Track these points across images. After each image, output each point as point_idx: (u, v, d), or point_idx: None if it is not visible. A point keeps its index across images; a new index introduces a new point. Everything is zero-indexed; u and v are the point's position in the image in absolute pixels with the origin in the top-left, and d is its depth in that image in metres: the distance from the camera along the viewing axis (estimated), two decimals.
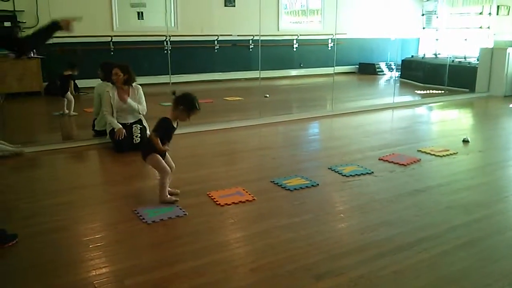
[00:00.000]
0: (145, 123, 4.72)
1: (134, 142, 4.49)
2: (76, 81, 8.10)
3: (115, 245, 2.61)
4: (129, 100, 4.57)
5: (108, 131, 4.63)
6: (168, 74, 6.42)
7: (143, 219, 2.89)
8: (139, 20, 9.53)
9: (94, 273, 2.29)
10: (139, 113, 4.68)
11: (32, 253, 2.51)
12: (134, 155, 4.39)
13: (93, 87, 5.13)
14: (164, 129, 3.12)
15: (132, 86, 4.62)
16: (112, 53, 8.80)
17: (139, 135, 4.52)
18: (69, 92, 6.36)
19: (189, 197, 3.29)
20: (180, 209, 3.05)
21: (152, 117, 6.00)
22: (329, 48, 10.80)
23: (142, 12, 9.51)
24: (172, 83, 6.78)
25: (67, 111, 6.28)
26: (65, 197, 3.36)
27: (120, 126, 4.49)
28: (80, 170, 4.22)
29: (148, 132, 4.73)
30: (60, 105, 6.27)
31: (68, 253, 2.52)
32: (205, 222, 2.88)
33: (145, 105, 4.71)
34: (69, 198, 3.32)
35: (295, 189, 3.46)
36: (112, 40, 8.87)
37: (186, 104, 3.12)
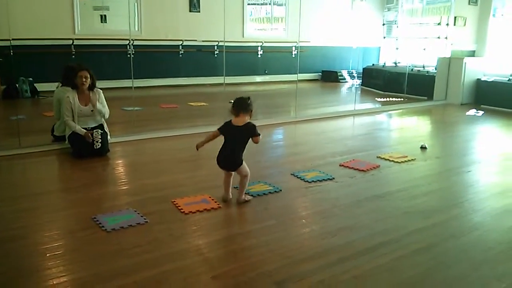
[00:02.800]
0: (106, 129, 4.65)
1: (95, 147, 4.40)
2: (35, 84, 7.92)
3: (73, 254, 2.55)
4: (99, 105, 4.53)
5: (67, 136, 4.52)
6: (131, 78, 6.33)
7: (103, 226, 2.84)
8: (102, 23, 9.37)
9: (52, 283, 2.23)
10: (102, 118, 4.61)
11: None
12: (94, 161, 4.31)
13: (53, 91, 5.01)
14: None
15: (93, 91, 4.55)
16: (73, 56, 8.61)
17: (100, 140, 4.43)
18: None
19: (151, 204, 3.25)
20: (141, 216, 3.01)
21: (115, 122, 5.95)
22: (293, 56, 10.94)
23: (105, 15, 9.36)
24: (135, 87, 6.69)
25: None
26: (22, 204, 3.26)
27: (85, 131, 4.41)
28: (38, 176, 4.10)
29: (109, 137, 4.66)
30: (18, 109, 6.08)
31: (25, 263, 2.44)
32: (166, 229, 2.85)
33: (107, 109, 4.66)
34: (26, 205, 3.22)
35: (258, 195, 3.47)
36: (74, 43, 8.68)
37: (253, 107, 3.36)
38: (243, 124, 3.26)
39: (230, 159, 3.27)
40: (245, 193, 3.39)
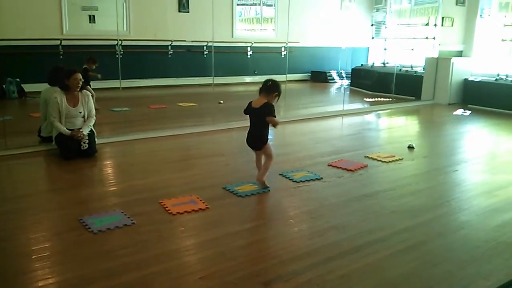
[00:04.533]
0: (93, 129, 4.62)
1: (82, 148, 4.37)
2: (23, 85, 7.84)
3: (59, 256, 2.53)
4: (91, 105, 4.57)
5: (54, 137, 4.49)
6: (119, 78, 6.30)
7: (89, 228, 2.82)
8: (90, 24, 9.31)
9: (38, 285, 2.21)
10: (92, 118, 4.59)
11: None
12: (81, 162, 4.28)
13: (40, 92, 4.97)
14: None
15: (81, 92, 4.53)
16: (61, 56, 8.55)
17: (87, 141, 4.40)
18: (88, 86, 6.51)
19: (139, 205, 3.23)
20: (128, 217, 2.99)
21: (103, 123, 5.91)
22: (283, 56, 10.95)
23: (93, 16, 9.30)
24: (123, 88, 6.66)
25: None
26: (8, 205, 3.22)
27: (69, 132, 4.38)
28: (24, 178, 4.05)
29: (96, 138, 4.63)
30: (5, 110, 6.03)
31: (11, 265, 2.42)
32: (153, 230, 2.84)
33: (94, 112, 4.67)
34: (12, 207, 3.19)
35: (247, 195, 3.47)
36: (62, 44, 8.61)
37: (279, 90, 3.52)
38: (261, 105, 3.45)
39: (252, 139, 3.58)
40: (268, 186, 3.60)
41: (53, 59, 8.11)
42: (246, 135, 3.62)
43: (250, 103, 3.55)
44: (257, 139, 3.55)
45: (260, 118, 3.50)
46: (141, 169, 4.20)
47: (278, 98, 3.57)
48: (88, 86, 6.64)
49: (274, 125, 3.52)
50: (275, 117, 3.47)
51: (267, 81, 3.55)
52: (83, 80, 4.52)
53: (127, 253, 2.54)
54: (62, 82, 4.45)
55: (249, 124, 3.58)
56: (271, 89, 3.49)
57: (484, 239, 2.85)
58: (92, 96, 6.38)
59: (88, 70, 6.89)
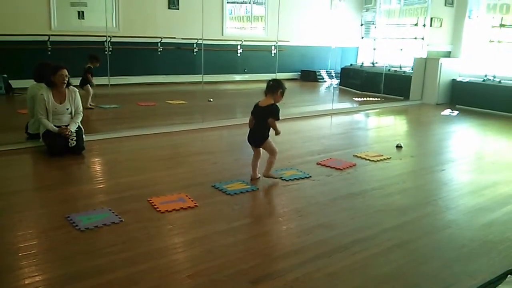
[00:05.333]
0: (81, 126, 4.58)
1: (70, 145, 4.33)
2: (10, 81, 7.75)
3: (46, 253, 2.51)
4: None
5: (41, 134, 4.44)
6: (107, 75, 6.27)
7: (76, 225, 2.80)
8: (79, 20, 9.22)
9: (24, 283, 2.19)
10: (79, 115, 4.56)
11: None
12: (69, 159, 4.25)
13: (27, 88, 4.91)
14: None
15: (68, 89, 4.49)
16: (49, 52, 8.45)
17: (75, 138, 4.37)
18: (88, 85, 6.74)
19: (127, 203, 3.22)
20: (116, 215, 2.98)
21: (91, 120, 5.87)
22: (273, 55, 10.96)
23: (83, 12, 9.21)
24: (112, 84, 6.62)
25: (88, 105, 6.70)
26: None
27: (57, 129, 4.34)
28: (11, 175, 4.00)
29: (84, 135, 4.59)
30: None
31: None
32: (141, 228, 2.82)
33: (81, 109, 4.63)
34: None
35: (236, 193, 3.47)
36: (50, 39, 8.52)
37: (283, 87, 3.70)
38: (267, 105, 3.64)
39: (253, 136, 3.75)
40: (277, 177, 3.81)
41: (41, 55, 8.03)
42: (248, 133, 3.78)
43: (257, 103, 3.73)
44: (258, 136, 3.71)
45: (264, 118, 3.64)
46: (129, 167, 4.17)
47: (283, 95, 3.73)
48: (89, 86, 6.69)
49: (276, 131, 3.68)
50: (278, 119, 3.64)
51: (269, 81, 3.71)
52: (69, 76, 4.46)
53: (114, 251, 2.53)
54: (48, 78, 4.41)
55: (246, 122, 3.72)
56: (274, 87, 3.65)
57: (470, 238, 2.88)
58: (87, 93, 6.51)
59: (91, 69, 6.89)
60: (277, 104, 3.69)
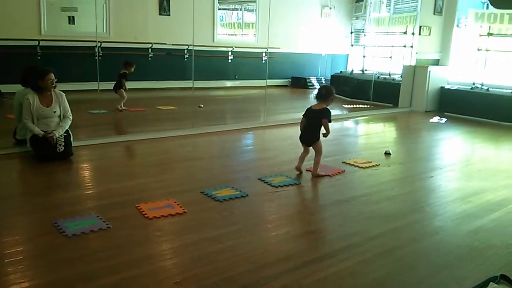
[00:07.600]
0: (69, 131, 4.55)
1: (58, 150, 4.30)
2: None
3: (33, 260, 2.48)
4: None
5: (28, 139, 4.40)
6: (97, 81, 6.24)
7: (63, 232, 2.77)
8: (69, 25, 9.18)
9: None
10: (68, 119, 4.53)
11: None
12: (57, 164, 4.21)
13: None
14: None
15: (55, 92, 4.46)
16: (39, 57, 8.40)
17: (63, 143, 4.33)
18: (121, 89, 7.02)
19: (115, 209, 3.19)
20: (104, 221, 2.95)
21: (81, 125, 5.83)
22: (263, 61, 10.98)
23: (73, 17, 9.18)
24: (102, 90, 6.60)
25: (119, 107, 7.03)
26: None
27: (43, 133, 4.30)
28: None
29: (72, 140, 4.56)
30: None
31: None
32: (129, 235, 2.81)
33: (70, 112, 4.59)
34: None
35: (225, 199, 3.46)
36: (40, 44, 8.47)
37: (334, 94, 4.26)
38: (320, 108, 4.12)
39: (306, 137, 4.20)
40: (324, 174, 4.18)
41: (31, 60, 7.97)
42: (299, 134, 4.25)
43: (310, 107, 4.19)
44: (311, 137, 4.15)
45: (317, 120, 4.09)
46: (118, 173, 4.15)
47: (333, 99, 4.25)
48: (123, 90, 6.99)
49: (326, 131, 4.09)
50: (331, 121, 4.10)
51: (321, 89, 4.28)
52: (56, 79, 4.44)
53: (101, 258, 2.50)
54: (34, 83, 4.37)
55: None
56: (327, 95, 4.16)
57: (458, 244, 2.90)
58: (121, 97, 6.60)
59: (126, 75, 7.07)
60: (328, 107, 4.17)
